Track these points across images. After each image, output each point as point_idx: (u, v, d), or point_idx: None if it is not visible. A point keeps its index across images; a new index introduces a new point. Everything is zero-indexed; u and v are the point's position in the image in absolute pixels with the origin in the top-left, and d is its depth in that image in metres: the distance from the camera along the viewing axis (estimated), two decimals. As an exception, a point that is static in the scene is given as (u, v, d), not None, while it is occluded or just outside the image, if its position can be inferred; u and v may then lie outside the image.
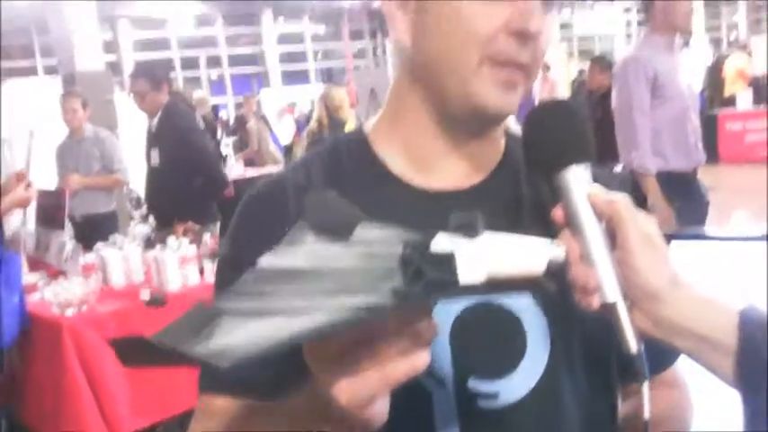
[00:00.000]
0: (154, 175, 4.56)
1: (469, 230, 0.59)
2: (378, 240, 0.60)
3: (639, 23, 28.33)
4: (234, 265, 0.80)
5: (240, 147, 10.90)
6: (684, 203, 3.44)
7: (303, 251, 0.61)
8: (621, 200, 0.68)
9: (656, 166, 3.43)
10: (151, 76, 4.37)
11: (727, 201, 8.27)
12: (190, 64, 20.65)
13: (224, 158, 9.30)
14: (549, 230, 0.72)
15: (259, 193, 0.89)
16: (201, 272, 3.40)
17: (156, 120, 4.43)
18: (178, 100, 4.54)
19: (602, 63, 6.83)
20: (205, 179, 4.34)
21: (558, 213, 0.71)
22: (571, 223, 0.70)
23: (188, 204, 4.11)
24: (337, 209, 0.64)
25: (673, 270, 0.69)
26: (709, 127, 10.87)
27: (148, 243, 3.65)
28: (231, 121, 16.20)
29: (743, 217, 6.97)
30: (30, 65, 16.06)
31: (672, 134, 3.45)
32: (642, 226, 0.68)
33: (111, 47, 17.57)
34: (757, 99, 11.75)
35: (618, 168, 3.73)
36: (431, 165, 0.84)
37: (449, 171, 0.84)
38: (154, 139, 4.47)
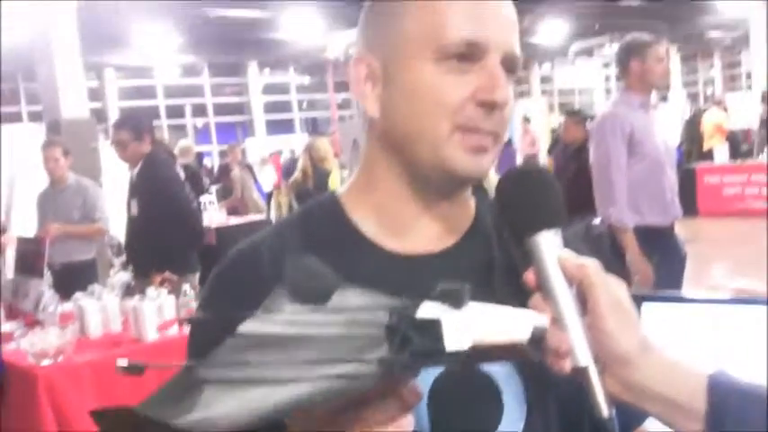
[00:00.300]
0: (133, 225, 4.55)
1: (455, 300, 0.59)
2: (359, 307, 0.60)
3: (618, 78, 28.95)
4: (207, 332, 0.80)
5: (224, 194, 10.91)
6: (662, 258, 3.48)
7: (284, 318, 0.61)
8: (591, 265, 0.70)
9: (634, 221, 3.47)
10: (134, 126, 4.37)
11: (705, 253, 8.35)
12: (175, 112, 20.77)
13: (204, 208, 9.29)
14: (520, 294, 0.73)
15: (232, 259, 0.89)
16: (180, 323, 3.37)
17: (136, 170, 4.43)
18: (160, 150, 4.54)
19: (576, 117, 6.90)
20: (183, 230, 4.32)
21: (529, 277, 0.72)
22: (543, 287, 0.71)
23: (166, 254, 4.08)
24: (316, 274, 0.64)
25: (642, 334, 0.70)
26: (688, 180, 11.05)
27: (128, 291, 3.62)
28: (215, 169, 16.26)
29: (721, 270, 7.03)
30: (15, 110, 16.09)
31: (648, 190, 3.50)
32: (612, 291, 0.69)
33: (96, 94, 17.67)
34: (734, 154, 11.98)
35: (596, 221, 3.76)
36: (403, 228, 0.85)
37: (421, 234, 0.85)
38: (134, 189, 4.47)
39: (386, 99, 0.82)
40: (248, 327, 0.60)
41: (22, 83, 15.85)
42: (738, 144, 12.99)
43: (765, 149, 11.31)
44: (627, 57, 3.60)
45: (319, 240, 0.85)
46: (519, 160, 14.25)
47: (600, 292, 0.69)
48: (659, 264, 3.44)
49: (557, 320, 0.69)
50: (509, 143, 13.70)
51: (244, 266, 0.87)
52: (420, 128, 0.79)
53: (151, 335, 3.26)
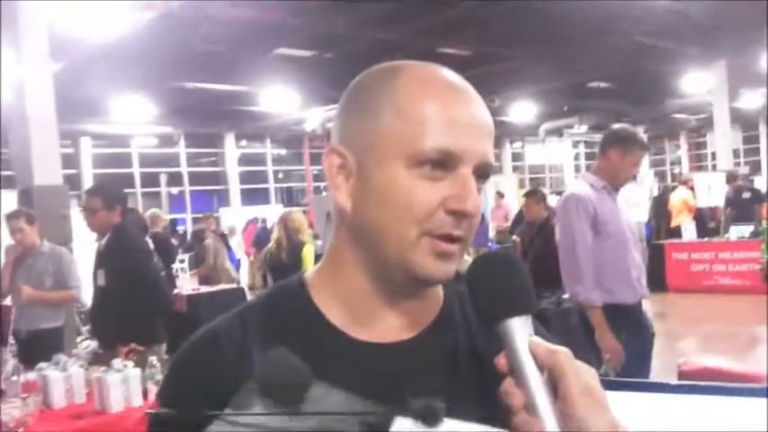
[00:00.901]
0: (99, 295, 4.50)
1: (431, 418, 0.60)
2: (334, 411, 0.59)
3: (587, 156, 29.63)
4: (166, 423, 0.81)
5: (197, 262, 10.82)
6: (630, 335, 3.49)
7: (254, 421, 0.60)
8: (562, 351, 0.72)
9: (602, 299, 3.48)
10: (106, 195, 4.36)
11: (674, 329, 8.43)
12: (150, 180, 20.77)
13: (175, 275, 9.20)
14: (486, 383, 0.76)
15: (191, 348, 0.86)
16: (145, 394, 3.32)
17: (105, 240, 4.40)
18: (129, 222, 4.53)
19: (536, 196, 7.24)
20: (149, 302, 4.28)
21: (501, 362, 0.75)
22: (514, 372, 0.74)
23: (132, 326, 4.02)
24: (288, 368, 0.64)
25: (614, 419, 0.72)
26: (657, 256, 11.21)
27: (94, 360, 3.57)
28: (188, 237, 16.18)
29: (690, 347, 7.08)
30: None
31: (614, 269, 3.52)
32: (582, 377, 0.71)
33: (71, 161, 17.64)
34: (701, 231, 12.20)
35: (565, 296, 3.79)
36: (367, 319, 0.85)
37: (387, 325, 0.85)
38: (101, 259, 4.43)
39: (358, 193, 0.82)
40: (219, 427, 0.59)
41: (-3, 149, 15.78)
42: (705, 222, 13.26)
43: (731, 228, 11.55)
44: (609, 143, 3.61)
45: (283, 326, 0.84)
46: (491, 233, 14.38)
47: (571, 379, 0.71)
48: (627, 341, 3.44)
49: (528, 406, 0.71)
50: (482, 218, 13.78)
51: (203, 355, 0.84)
52: (389, 229, 0.80)
53: (116, 407, 3.20)
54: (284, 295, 0.89)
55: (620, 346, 3.41)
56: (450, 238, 0.80)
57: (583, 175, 3.88)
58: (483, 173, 0.82)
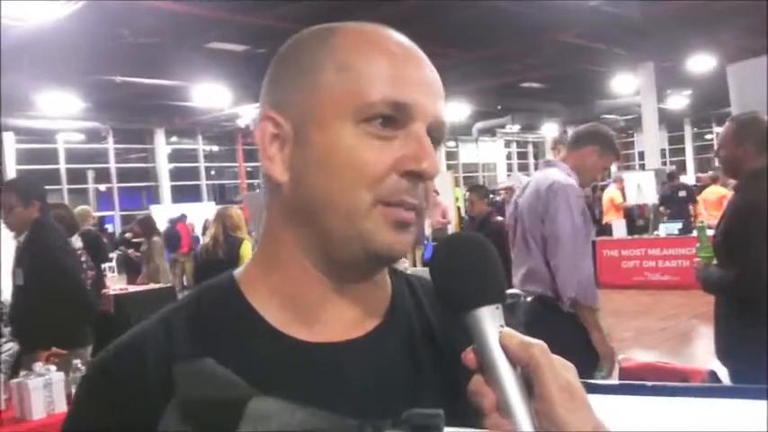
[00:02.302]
0: (18, 295, 4.24)
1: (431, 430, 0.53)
2: (292, 426, 0.51)
3: (519, 156, 30.20)
4: None
5: (125, 261, 10.49)
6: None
7: None
8: (537, 345, 0.64)
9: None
10: (22, 191, 4.06)
11: (608, 324, 8.59)
12: (77, 177, 20.14)
13: (104, 274, 8.89)
14: (450, 382, 0.68)
15: (110, 355, 0.74)
16: (69, 398, 3.13)
17: (22, 237, 4.16)
18: (48, 218, 4.27)
19: (480, 192, 7.46)
20: (70, 303, 4.02)
21: (469, 357, 0.66)
22: (484, 369, 0.65)
23: (53, 328, 3.79)
24: (218, 382, 0.55)
25: (596, 419, 0.64)
26: (589, 253, 11.42)
27: (16, 365, 3.36)
28: (117, 235, 15.71)
29: (624, 343, 7.21)
30: None
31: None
32: (561, 373, 0.63)
33: (-9, 157, 16.94)
34: (631, 230, 12.52)
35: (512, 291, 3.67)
36: (311, 315, 0.74)
37: (333, 321, 0.74)
38: (19, 257, 4.16)
39: (296, 163, 0.72)
40: None
41: None
42: (634, 220, 13.61)
43: (660, 225, 11.88)
44: (588, 140, 3.37)
45: (212, 329, 0.72)
46: (427, 232, 14.40)
47: (548, 376, 0.62)
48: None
49: (500, 405, 0.63)
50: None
51: (122, 364, 0.72)
52: (335, 198, 0.69)
53: (37, 413, 3.00)
54: (212, 293, 0.77)
55: (613, 350, 3.29)
56: (407, 206, 0.70)
57: (552, 163, 3.50)
58: (438, 134, 0.73)
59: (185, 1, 9.69)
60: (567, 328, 3.20)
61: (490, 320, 0.65)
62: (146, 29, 10.70)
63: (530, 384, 0.63)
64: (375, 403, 0.68)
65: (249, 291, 0.75)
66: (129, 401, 0.68)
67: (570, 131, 3.65)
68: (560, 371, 0.63)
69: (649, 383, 0.99)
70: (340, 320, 0.74)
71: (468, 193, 7.68)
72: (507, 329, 0.65)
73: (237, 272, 0.79)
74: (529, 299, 3.36)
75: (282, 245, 0.75)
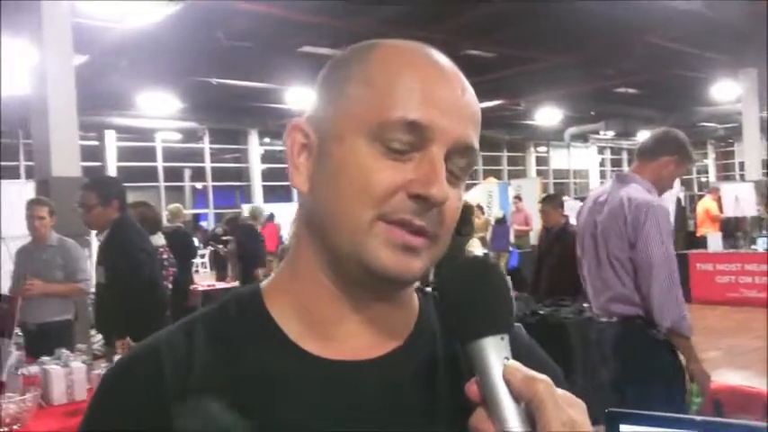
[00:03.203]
0: (99, 292, 4.41)
1: None
2: None
3: (613, 163, 29.34)
4: None
5: (215, 258, 10.76)
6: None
7: None
8: (542, 380, 0.61)
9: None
10: (102, 190, 4.21)
11: (698, 342, 8.23)
12: (174, 175, 20.91)
13: (195, 270, 9.19)
14: (469, 407, 0.65)
15: (125, 362, 0.75)
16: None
17: (103, 236, 4.28)
18: (128, 217, 4.41)
19: (554, 202, 6.81)
20: (143, 299, 4.12)
21: (471, 389, 0.64)
22: (486, 402, 0.62)
23: (128, 323, 3.93)
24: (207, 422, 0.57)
25: None
26: (681, 266, 10.96)
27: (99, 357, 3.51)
28: (210, 232, 16.18)
29: (714, 363, 6.89)
30: (15, 165, 16.16)
31: None
32: (564, 411, 0.61)
33: (96, 153, 17.78)
34: (727, 244, 11.94)
35: (585, 305, 3.58)
36: (327, 330, 0.73)
37: (351, 338, 0.73)
38: (100, 255, 4.33)
39: (315, 174, 0.72)
40: None
41: (23, 139, 15.93)
42: (732, 233, 13.00)
43: (758, 239, 11.30)
44: (667, 149, 3.21)
45: (232, 340, 0.72)
46: (512, 237, 14.23)
47: (551, 413, 0.60)
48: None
49: None
50: (504, 220, 13.72)
51: (138, 368, 0.72)
52: (340, 213, 0.69)
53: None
54: (236, 303, 0.76)
55: (709, 377, 3.14)
56: (411, 228, 0.68)
57: (630, 178, 3.28)
58: (462, 161, 0.70)
59: (279, 1, 9.84)
60: (658, 352, 3.10)
61: (494, 351, 0.63)
62: (240, 32, 10.97)
63: (533, 420, 0.61)
64: (384, 427, 0.68)
65: (271, 301, 0.75)
66: (142, 406, 0.69)
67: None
68: (565, 408, 0.60)
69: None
70: (357, 339, 0.73)
71: (540, 204, 7.01)
72: (512, 362, 0.63)
73: (266, 281, 0.79)
74: (614, 319, 3.23)
75: (301, 257, 0.75)
